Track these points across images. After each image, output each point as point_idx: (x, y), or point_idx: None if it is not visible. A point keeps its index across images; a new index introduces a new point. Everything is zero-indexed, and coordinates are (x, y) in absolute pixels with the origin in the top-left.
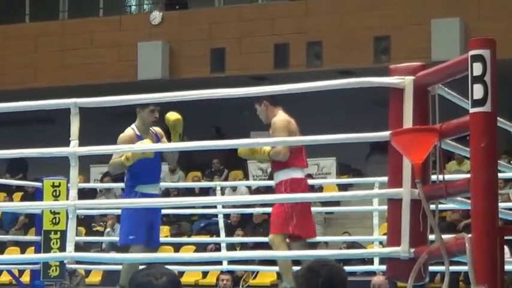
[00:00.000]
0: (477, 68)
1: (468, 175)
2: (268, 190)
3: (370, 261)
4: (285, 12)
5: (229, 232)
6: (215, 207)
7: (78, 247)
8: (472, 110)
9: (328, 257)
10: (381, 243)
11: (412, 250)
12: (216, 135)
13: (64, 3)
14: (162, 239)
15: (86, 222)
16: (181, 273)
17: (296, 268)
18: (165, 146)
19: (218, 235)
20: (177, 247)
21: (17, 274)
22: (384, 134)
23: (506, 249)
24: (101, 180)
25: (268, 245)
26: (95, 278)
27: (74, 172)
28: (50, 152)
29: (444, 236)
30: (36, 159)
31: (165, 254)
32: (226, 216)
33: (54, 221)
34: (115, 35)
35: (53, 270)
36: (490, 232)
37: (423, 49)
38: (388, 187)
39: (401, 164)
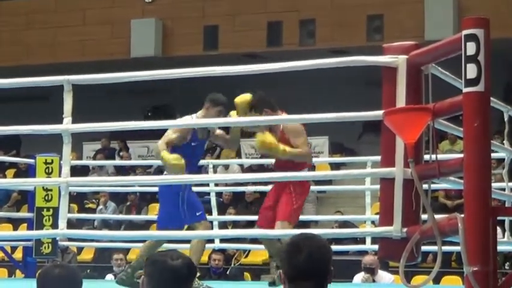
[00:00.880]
0: (470, 48)
1: (461, 155)
2: (260, 168)
3: (362, 241)
4: None
5: (222, 210)
6: (207, 185)
7: (71, 224)
8: (465, 90)
9: (321, 236)
10: (373, 222)
11: (405, 230)
12: None
13: None
14: (154, 217)
15: (78, 199)
16: None
17: None
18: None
19: (210, 213)
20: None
21: (9, 251)
22: (377, 113)
23: (498, 229)
24: (94, 158)
25: None
26: (86, 255)
27: (66, 149)
28: (43, 129)
29: (437, 216)
30: (30, 136)
31: (157, 232)
32: (219, 194)
33: (46, 198)
34: (108, 12)
35: (45, 247)
36: (483, 212)
37: (416, 28)
38: (381, 166)
39: (394, 143)
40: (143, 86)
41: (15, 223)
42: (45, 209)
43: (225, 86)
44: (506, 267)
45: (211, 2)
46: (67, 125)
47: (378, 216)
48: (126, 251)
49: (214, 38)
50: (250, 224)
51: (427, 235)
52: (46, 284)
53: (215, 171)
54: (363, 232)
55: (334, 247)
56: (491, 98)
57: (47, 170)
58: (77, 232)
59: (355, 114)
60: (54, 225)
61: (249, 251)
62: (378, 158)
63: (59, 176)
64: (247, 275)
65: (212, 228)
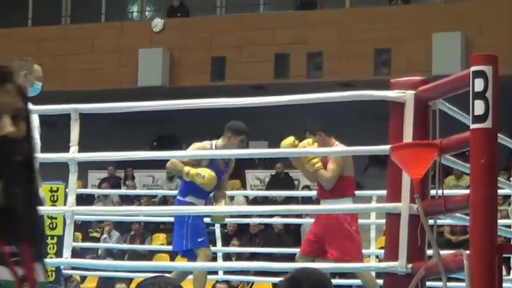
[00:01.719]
0: (479, 84)
1: (467, 191)
2: (265, 200)
3: None
4: (286, 22)
5: (226, 241)
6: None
7: (74, 253)
8: (472, 126)
9: (324, 270)
10: (377, 257)
11: (410, 265)
12: None
13: (66, 8)
14: (158, 247)
15: (83, 228)
16: None
17: None
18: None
19: (215, 244)
20: (173, 255)
21: None
22: (384, 148)
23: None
24: (99, 186)
25: (263, 256)
26: (90, 284)
27: (73, 178)
28: (50, 158)
29: (442, 252)
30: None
31: (161, 263)
32: (223, 225)
33: (51, 225)
34: (116, 41)
35: (49, 276)
36: (488, 249)
37: (424, 63)
38: (387, 201)
39: (400, 178)
40: (148, 115)
41: None
42: (49, 237)
43: (231, 116)
44: None
45: (219, 33)
46: (74, 154)
47: (382, 251)
48: (129, 280)
49: (222, 69)
50: (253, 256)
51: (432, 271)
52: None
53: None
54: (367, 267)
55: (337, 281)
56: (498, 134)
57: (52, 198)
58: (81, 261)
59: (362, 149)
60: (58, 254)
61: (253, 282)
62: (384, 192)
63: (64, 204)
64: None
65: (216, 259)
